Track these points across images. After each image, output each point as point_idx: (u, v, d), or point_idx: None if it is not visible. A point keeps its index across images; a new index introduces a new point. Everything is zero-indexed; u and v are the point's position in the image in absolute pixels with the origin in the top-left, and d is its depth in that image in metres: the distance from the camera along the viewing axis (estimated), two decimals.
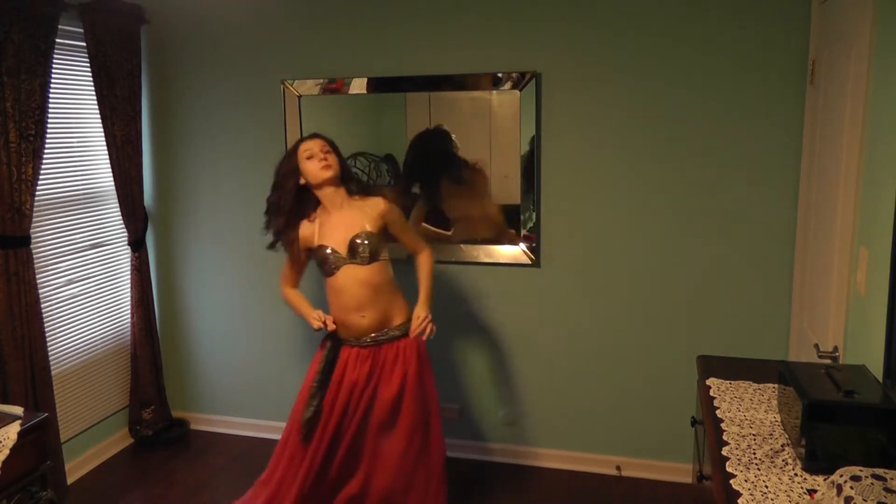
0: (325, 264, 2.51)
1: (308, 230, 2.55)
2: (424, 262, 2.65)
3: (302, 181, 2.51)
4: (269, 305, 3.63)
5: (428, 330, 2.50)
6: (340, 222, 2.51)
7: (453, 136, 3.21)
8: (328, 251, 2.49)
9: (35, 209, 2.92)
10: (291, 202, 2.52)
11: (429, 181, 3.31)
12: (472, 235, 3.26)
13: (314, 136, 2.56)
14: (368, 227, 2.49)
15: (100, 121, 3.28)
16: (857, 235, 1.95)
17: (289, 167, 2.53)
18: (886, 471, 1.24)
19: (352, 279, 2.48)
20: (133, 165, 3.46)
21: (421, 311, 2.53)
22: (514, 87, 3.08)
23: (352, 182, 2.59)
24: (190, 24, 3.46)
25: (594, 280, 3.18)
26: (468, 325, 3.35)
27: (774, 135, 2.86)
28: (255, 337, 3.71)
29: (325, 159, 2.48)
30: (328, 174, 2.48)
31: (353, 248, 2.47)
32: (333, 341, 2.56)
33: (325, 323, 2.48)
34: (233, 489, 3.26)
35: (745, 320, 3.02)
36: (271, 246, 2.62)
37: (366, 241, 2.47)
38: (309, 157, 2.49)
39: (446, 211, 3.28)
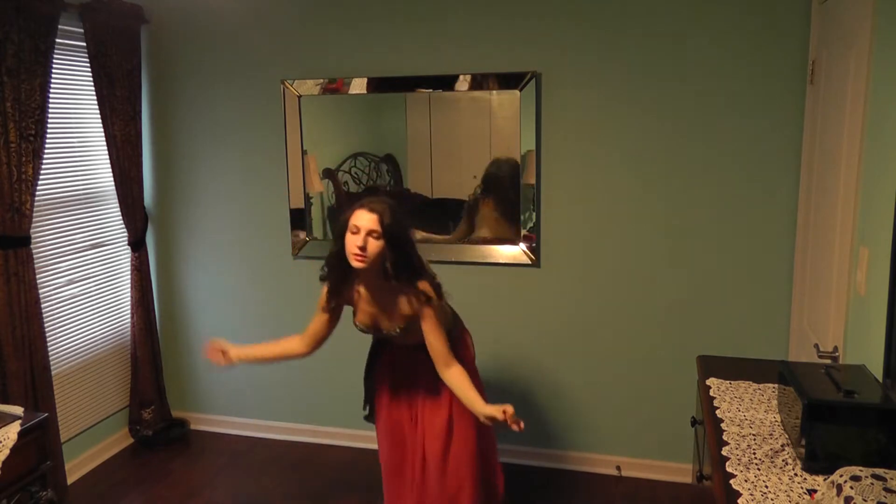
0: (365, 331, 2.42)
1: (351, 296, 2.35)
2: (464, 380, 2.27)
3: None
4: (270, 305, 3.63)
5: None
6: (374, 305, 2.31)
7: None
8: (363, 328, 2.39)
9: (35, 209, 2.92)
10: (338, 264, 2.25)
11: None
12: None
13: (374, 206, 2.15)
14: (399, 325, 2.30)
15: (100, 121, 3.28)
16: (857, 235, 1.95)
17: (339, 229, 2.21)
18: (886, 471, 1.24)
19: (402, 349, 2.45)
20: (133, 165, 3.46)
21: (502, 407, 2.16)
22: (514, 87, 3.08)
23: (406, 277, 2.21)
24: (190, 24, 3.47)
25: (594, 280, 3.18)
26: (468, 325, 3.35)
27: (774, 135, 2.86)
28: (255, 337, 3.69)
29: (363, 247, 2.11)
30: (357, 265, 2.15)
31: (391, 328, 2.34)
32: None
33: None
34: (233, 489, 3.26)
35: (745, 320, 3.02)
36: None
37: (396, 332, 2.33)
38: (353, 232, 2.14)
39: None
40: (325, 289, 2.35)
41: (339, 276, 2.28)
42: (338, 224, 2.23)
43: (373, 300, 2.30)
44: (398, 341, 2.43)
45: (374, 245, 2.13)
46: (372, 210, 2.14)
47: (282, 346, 2.47)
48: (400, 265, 2.17)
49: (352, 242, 2.14)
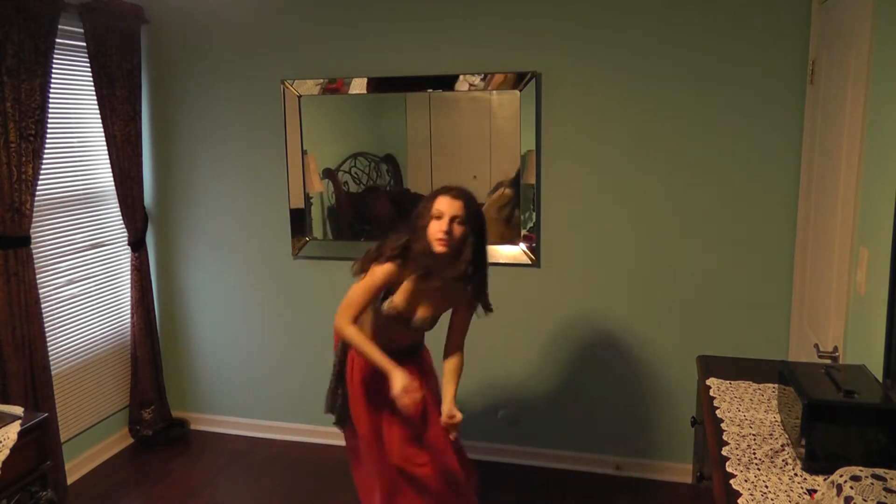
0: (384, 317, 2.35)
1: (401, 277, 2.33)
2: (459, 365, 2.46)
3: None
4: (270, 305, 3.63)
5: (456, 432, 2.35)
6: (428, 293, 2.33)
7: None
8: (394, 312, 2.34)
9: (35, 209, 2.92)
10: (416, 246, 2.27)
11: None
12: None
13: (459, 195, 2.24)
14: (435, 314, 2.40)
15: (100, 121, 3.28)
16: (857, 235, 1.95)
17: (421, 213, 2.27)
18: (886, 471, 1.24)
19: (406, 332, 2.43)
20: (133, 165, 3.46)
21: (457, 413, 2.30)
22: (513, 87, 3.08)
23: (471, 279, 2.31)
24: (190, 24, 3.46)
25: (594, 280, 3.18)
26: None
27: (774, 134, 2.86)
28: (255, 337, 3.71)
29: (448, 232, 2.19)
30: (440, 249, 2.21)
31: (420, 321, 2.38)
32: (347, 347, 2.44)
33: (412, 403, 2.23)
34: (233, 489, 3.26)
35: (745, 320, 3.02)
36: (393, 256, 2.30)
37: (431, 320, 2.41)
38: (437, 217, 2.21)
39: None
40: (392, 265, 2.27)
41: (405, 261, 2.28)
42: (421, 205, 2.28)
43: (422, 288, 2.32)
44: (412, 333, 2.44)
45: (458, 230, 2.22)
46: (456, 197, 2.23)
47: (364, 338, 2.36)
48: (478, 253, 2.29)
49: (436, 228, 2.21)
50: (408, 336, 2.46)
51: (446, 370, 2.46)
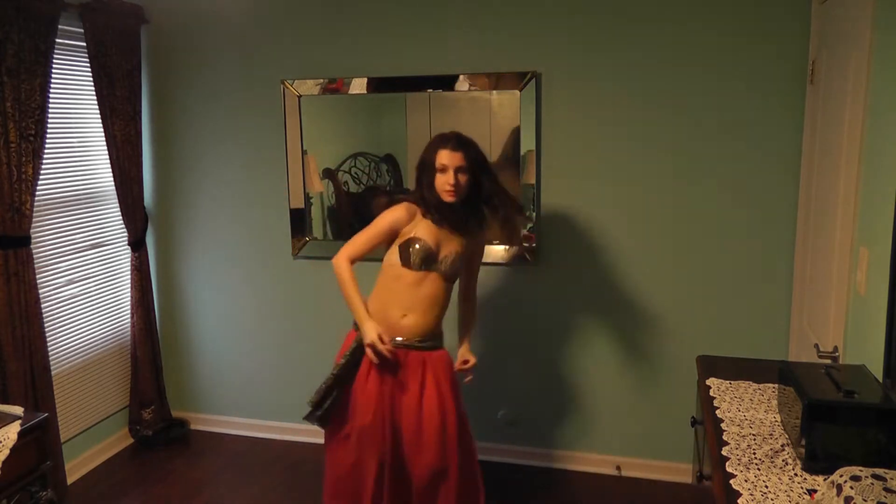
0: (418, 256, 2.36)
1: (412, 222, 2.42)
2: (473, 314, 2.66)
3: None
4: (270, 305, 3.63)
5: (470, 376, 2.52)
6: (446, 235, 2.41)
7: None
8: (427, 248, 2.36)
9: (35, 209, 2.92)
10: (428, 195, 2.38)
11: None
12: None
13: (459, 145, 2.34)
14: (461, 249, 2.44)
15: (100, 121, 3.28)
16: (857, 235, 1.95)
17: (424, 164, 2.39)
18: (886, 471, 1.24)
19: (427, 285, 2.40)
20: (133, 165, 3.46)
21: (470, 356, 2.51)
22: (514, 87, 3.08)
23: (475, 216, 2.44)
24: (190, 24, 3.47)
25: (594, 280, 3.18)
26: None
27: (774, 134, 2.86)
28: (255, 337, 3.71)
29: (455, 182, 2.31)
30: (449, 199, 2.34)
31: (444, 261, 2.40)
32: (359, 338, 2.42)
33: (377, 353, 2.33)
34: (233, 489, 3.26)
35: (745, 320, 3.02)
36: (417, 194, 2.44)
37: (456, 260, 2.42)
38: (441, 171, 2.33)
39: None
40: (401, 208, 2.41)
41: (424, 202, 2.40)
42: (422, 157, 2.40)
43: (444, 233, 2.40)
44: (433, 292, 2.41)
45: (463, 179, 2.34)
46: (455, 148, 2.33)
47: (349, 276, 2.44)
48: (494, 186, 2.41)
49: (443, 181, 2.33)
50: (421, 301, 2.40)
51: (459, 318, 2.63)
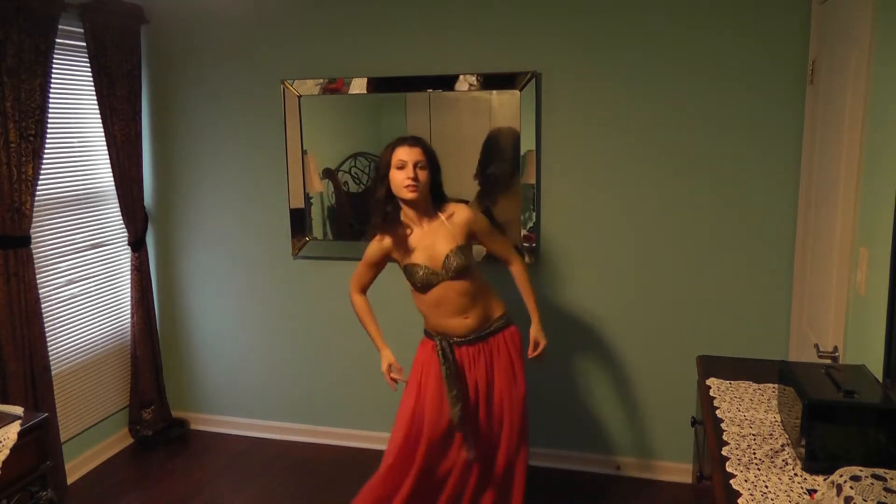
0: (418, 282, 2.39)
1: (395, 243, 2.41)
2: (521, 276, 2.57)
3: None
4: (270, 305, 3.63)
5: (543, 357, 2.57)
6: (429, 238, 2.39)
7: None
8: (420, 271, 2.37)
9: (35, 209, 2.92)
10: (384, 206, 2.38)
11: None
12: None
13: (414, 142, 2.36)
14: (458, 242, 2.39)
15: (100, 121, 3.28)
16: (857, 235, 1.95)
17: (381, 170, 2.38)
18: (886, 471, 1.24)
19: (450, 291, 2.39)
20: (133, 165, 3.46)
21: (541, 337, 2.56)
22: (514, 87, 3.08)
23: (439, 200, 2.44)
24: (190, 24, 3.46)
25: (594, 280, 3.18)
26: None
27: (774, 134, 2.86)
28: (256, 337, 3.71)
29: (414, 177, 2.30)
30: (410, 196, 2.32)
31: (446, 265, 2.37)
32: (442, 342, 2.41)
33: (394, 379, 2.44)
34: (233, 489, 3.26)
35: (745, 320, 3.02)
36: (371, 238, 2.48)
37: (459, 258, 2.37)
38: (400, 167, 2.32)
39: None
40: (375, 242, 2.44)
41: (389, 221, 2.40)
42: (378, 168, 2.40)
43: (429, 235, 2.40)
44: (459, 296, 2.40)
45: (423, 174, 2.33)
46: (413, 144, 2.35)
47: (367, 308, 2.58)
48: (442, 194, 2.45)
49: (402, 176, 2.31)
50: (459, 304, 2.40)
51: (518, 284, 2.59)
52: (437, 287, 2.38)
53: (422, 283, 2.39)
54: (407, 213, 2.40)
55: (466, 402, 2.42)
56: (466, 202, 2.55)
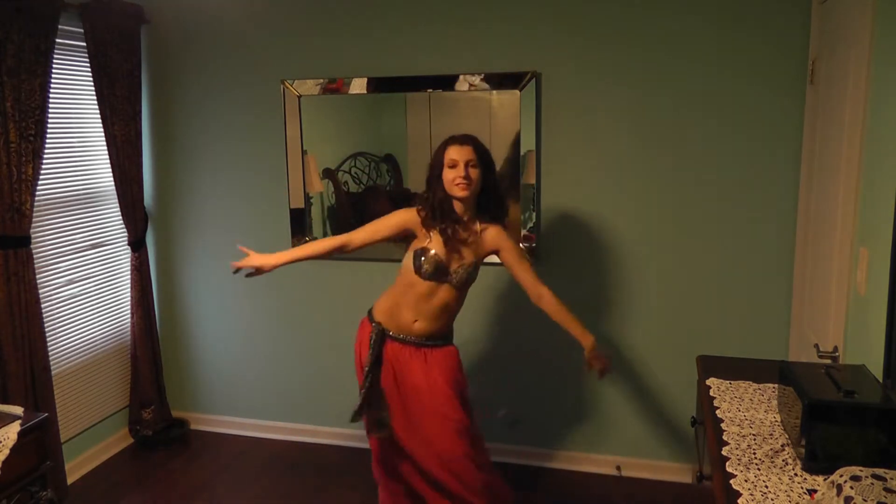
0: (428, 267, 2.38)
1: (420, 228, 2.41)
2: (557, 305, 2.47)
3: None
4: (270, 305, 3.63)
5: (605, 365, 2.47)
6: (453, 248, 2.39)
7: None
8: (435, 259, 2.37)
9: (35, 209, 2.92)
10: (442, 206, 2.38)
11: None
12: None
13: (465, 140, 2.37)
14: (476, 257, 2.44)
15: (100, 121, 3.28)
16: (857, 236, 1.95)
17: (434, 169, 2.39)
18: (886, 471, 1.24)
19: (437, 292, 2.42)
20: (133, 165, 3.46)
21: (597, 357, 2.45)
22: (513, 87, 3.08)
23: (489, 210, 2.44)
24: (190, 24, 3.46)
25: (594, 280, 3.18)
26: (468, 324, 3.35)
27: (774, 134, 2.86)
28: (255, 337, 3.71)
29: (466, 176, 2.32)
30: (462, 193, 2.34)
31: (455, 273, 2.41)
32: (377, 328, 2.47)
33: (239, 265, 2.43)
34: (233, 489, 3.26)
35: (745, 320, 3.02)
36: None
37: (468, 270, 2.42)
38: (451, 166, 2.34)
39: None
40: (408, 211, 2.43)
41: (446, 215, 2.38)
42: (431, 168, 2.40)
43: (451, 244, 2.39)
44: (453, 285, 2.42)
45: (475, 172, 2.34)
46: (464, 143, 2.35)
47: (323, 244, 2.50)
48: (496, 192, 2.44)
49: (454, 174, 2.33)
50: (439, 306, 2.43)
51: (556, 318, 2.49)
52: (434, 283, 2.40)
53: (430, 269, 2.37)
54: (456, 208, 2.41)
55: (372, 392, 2.45)
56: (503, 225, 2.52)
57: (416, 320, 2.44)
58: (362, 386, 2.48)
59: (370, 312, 2.55)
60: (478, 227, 2.43)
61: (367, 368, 2.46)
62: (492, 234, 2.44)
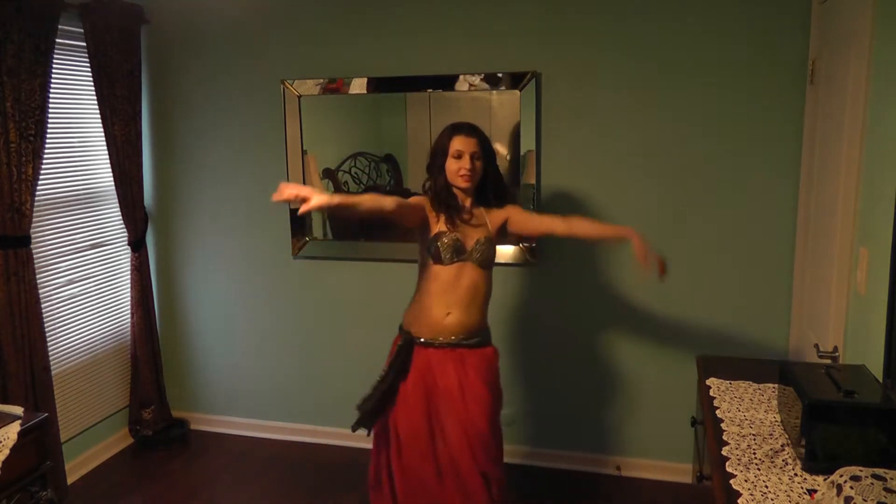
0: (445, 247, 2.36)
1: (433, 218, 2.41)
2: (590, 221, 2.59)
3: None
4: (270, 305, 3.63)
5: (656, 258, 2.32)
6: (465, 224, 2.41)
7: None
8: (448, 238, 2.36)
9: (35, 209, 2.92)
10: (443, 194, 2.40)
11: None
12: None
13: (471, 132, 2.38)
14: (490, 232, 2.43)
15: (100, 121, 3.28)
16: (857, 235, 1.95)
17: (437, 158, 2.40)
18: (886, 471, 1.24)
19: (464, 276, 2.38)
20: (133, 165, 3.46)
21: (647, 252, 2.28)
22: (513, 87, 3.08)
23: (492, 197, 2.46)
24: (190, 24, 3.46)
25: (594, 280, 3.18)
26: None
27: (774, 134, 2.86)
28: (255, 337, 3.71)
29: (470, 168, 2.35)
30: (465, 185, 2.38)
31: (476, 248, 2.39)
32: (405, 337, 2.43)
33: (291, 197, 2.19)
34: (233, 489, 3.26)
35: (745, 320, 3.02)
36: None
37: (485, 245, 2.40)
38: (457, 157, 2.36)
39: None
40: (422, 196, 2.46)
41: (448, 200, 2.41)
42: (434, 155, 2.42)
43: (465, 223, 2.42)
44: (477, 264, 2.40)
45: (479, 165, 2.38)
46: (469, 134, 2.38)
47: (377, 201, 2.30)
48: (496, 180, 2.47)
49: (458, 166, 2.36)
50: (468, 290, 2.38)
51: (595, 234, 2.57)
52: (456, 265, 2.36)
53: (451, 251, 2.35)
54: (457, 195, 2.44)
55: (381, 401, 2.42)
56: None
57: (448, 312, 2.38)
58: (372, 395, 2.42)
59: (399, 326, 2.50)
60: (482, 210, 2.46)
61: (383, 375, 2.40)
62: (497, 210, 2.47)
